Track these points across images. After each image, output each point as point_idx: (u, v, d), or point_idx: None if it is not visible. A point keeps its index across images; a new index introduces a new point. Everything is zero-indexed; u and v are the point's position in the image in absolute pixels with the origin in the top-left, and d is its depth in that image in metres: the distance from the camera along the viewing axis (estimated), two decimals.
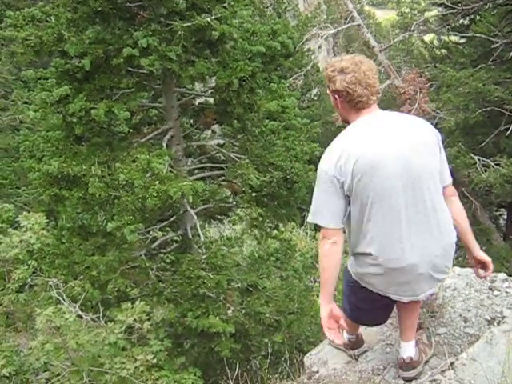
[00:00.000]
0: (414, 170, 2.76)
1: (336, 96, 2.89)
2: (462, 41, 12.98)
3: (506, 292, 4.06)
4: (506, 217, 12.96)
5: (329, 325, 2.93)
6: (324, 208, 2.81)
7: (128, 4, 5.70)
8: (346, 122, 3.00)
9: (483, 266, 3.18)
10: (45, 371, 4.69)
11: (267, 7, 16.22)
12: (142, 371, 4.63)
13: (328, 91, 2.99)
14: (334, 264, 2.86)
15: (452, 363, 3.22)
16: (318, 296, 10.32)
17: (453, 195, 3.05)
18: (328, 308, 2.92)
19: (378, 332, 4.01)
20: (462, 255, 11.67)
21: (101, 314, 5.13)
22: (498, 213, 13.57)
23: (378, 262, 2.86)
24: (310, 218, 2.88)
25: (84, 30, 5.60)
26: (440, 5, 12.43)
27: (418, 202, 2.80)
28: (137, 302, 4.92)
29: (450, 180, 3.02)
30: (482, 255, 3.15)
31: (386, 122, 2.86)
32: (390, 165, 2.72)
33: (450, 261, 3.02)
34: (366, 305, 3.17)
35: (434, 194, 2.85)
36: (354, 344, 3.83)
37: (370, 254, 2.87)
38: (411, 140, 2.80)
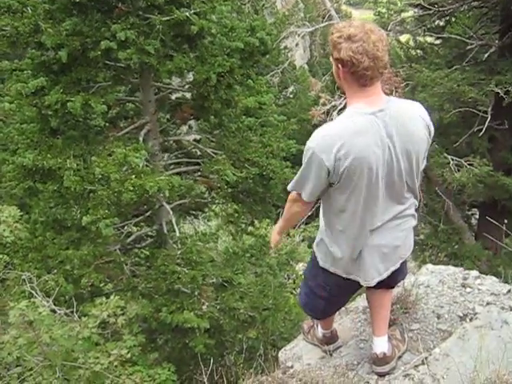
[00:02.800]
0: (399, 174, 2.77)
1: (339, 65, 2.62)
2: (438, 42, 13.10)
3: (478, 289, 4.12)
4: (477, 216, 13.14)
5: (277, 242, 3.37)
6: (308, 186, 2.79)
7: None
8: (343, 94, 2.94)
9: None
10: (17, 366, 4.63)
11: (245, 4, 16.18)
12: (115, 366, 4.61)
13: (331, 58, 2.70)
14: (296, 219, 3.31)
15: (425, 358, 3.27)
16: (291, 293, 10.38)
17: None
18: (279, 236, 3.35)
19: (352, 327, 4.04)
20: (435, 253, 11.83)
21: (74, 309, 5.10)
22: (470, 212, 13.75)
23: (346, 243, 2.94)
24: (293, 187, 2.89)
25: (61, 22, 5.53)
26: (416, 6, 12.52)
27: (393, 196, 2.85)
28: (111, 297, 4.90)
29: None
30: None
31: (384, 118, 2.69)
32: (380, 167, 2.68)
33: (411, 243, 3.13)
34: (334, 291, 3.22)
35: (407, 190, 2.88)
36: (329, 339, 3.85)
37: (342, 233, 2.93)
38: (406, 147, 2.73)
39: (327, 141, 2.66)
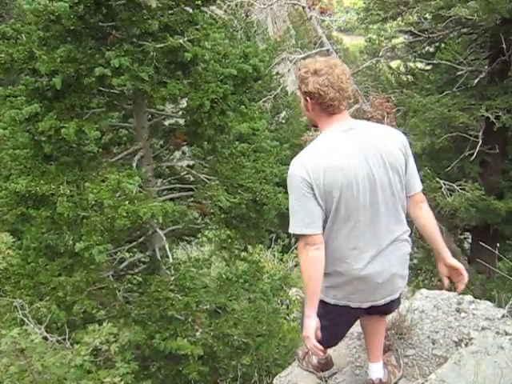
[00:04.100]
0: (379, 189, 2.80)
1: (307, 98, 2.83)
2: (428, 68, 13.24)
3: (473, 314, 4.12)
4: (470, 240, 13.15)
5: (316, 336, 2.83)
6: (304, 214, 2.75)
7: (101, 24, 5.70)
8: (314, 126, 3.01)
9: (455, 274, 3.08)
10: None
11: (237, 31, 16.35)
12: None
13: (299, 93, 2.91)
14: (320, 271, 2.78)
15: None
16: (285, 319, 10.32)
17: (422, 201, 3.09)
18: (316, 319, 2.83)
19: (347, 354, 4.02)
20: (428, 278, 11.81)
21: (67, 336, 5.06)
22: (462, 236, 13.77)
23: (337, 270, 2.90)
24: (294, 229, 2.78)
25: (55, 49, 5.56)
26: (406, 32, 12.69)
27: (381, 219, 2.85)
28: (104, 324, 4.86)
29: (419, 187, 3.06)
30: (455, 262, 3.07)
31: (356, 134, 2.84)
32: (359, 182, 2.75)
33: (406, 267, 3.11)
34: (327, 321, 3.02)
35: (395, 211, 2.90)
36: (324, 366, 3.83)
37: (329, 265, 2.87)
38: (381, 158, 2.81)
39: (302, 161, 2.80)
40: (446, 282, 3.14)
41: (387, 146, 2.86)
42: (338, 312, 3.06)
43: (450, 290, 4.02)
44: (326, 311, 3.01)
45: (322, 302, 2.97)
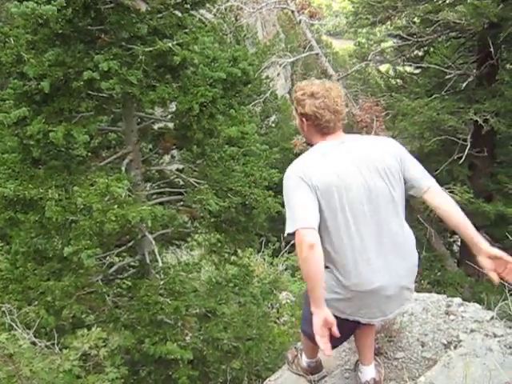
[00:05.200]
0: (375, 197, 2.81)
1: (303, 119, 2.94)
2: (417, 71, 13.33)
3: (462, 316, 4.14)
4: (459, 243, 13.22)
5: (322, 332, 2.70)
6: (299, 209, 2.72)
7: (89, 27, 5.67)
8: (310, 145, 3.03)
9: (500, 265, 2.75)
10: None
11: (227, 34, 16.36)
12: None
13: (295, 113, 3.03)
14: (319, 266, 2.68)
15: None
16: (275, 322, 10.31)
17: (440, 192, 3.02)
18: (322, 314, 2.71)
19: (336, 357, 4.02)
20: (418, 280, 11.83)
21: (56, 341, 5.03)
22: (451, 239, 13.84)
23: (344, 284, 2.85)
24: (290, 227, 2.69)
25: (44, 52, 5.53)
26: (395, 36, 12.78)
27: (382, 225, 2.83)
28: (93, 329, 4.84)
29: (431, 181, 3.02)
30: (496, 250, 2.80)
31: (348, 146, 2.90)
32: (354, 191, 2.77)
33: (414, 279, 3.05)
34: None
35: (395, 217, 2.88)
36: (313, 369, 3.83)
37: (336, 278, 2.86)
38: (373, 166, 2.83)
39: (298, 166, 2.85)
40: (495, 277, 2.77)
41: (378, 154, 2.90)
42: (343, 324, 2.95)
43: (439, 292, 4.04)
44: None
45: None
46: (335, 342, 3.14)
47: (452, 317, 4.15)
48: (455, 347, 3.74)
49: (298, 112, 2.96)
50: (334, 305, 2.90)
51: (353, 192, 2.77)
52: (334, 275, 2.86)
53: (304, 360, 3.84)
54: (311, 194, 2.73)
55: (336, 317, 2.81)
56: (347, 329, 3.11)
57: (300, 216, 2.71)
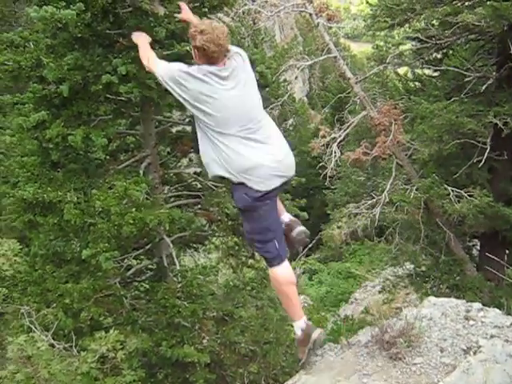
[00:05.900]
0: (245, 105, 3.78)
1: (196, 50, 3.72)
2: (436, 74, 13.20)
3: (482, 322, 4.09)
4: (478, 247, 13.08)
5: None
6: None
7: (108, 31, 5.72)
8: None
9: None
10: None
11: (245, 38, 16.36)
12: None
13: (191, 46, 3.80)
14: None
15: None
16: (292, 326, 10.27)
17: None
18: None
19: (354, 362, 3.99)
20: (437, 285, 11.73)
21: (73, 343, 5.05)
22: (471, 243, 13.68)
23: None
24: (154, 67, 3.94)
25: (63, 56, 5.58)
26: (414, 39, 12.67)
27: (256, 125, 3.78)
28: (110, 331, 4.86)
29: None
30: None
31: (229, 73, 3.73)
32: (228, 103, 3.67)
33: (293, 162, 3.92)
34: (263, 219, 3.77)
35: (263, 120, 3.88)
36: (306, 334, 3.94)
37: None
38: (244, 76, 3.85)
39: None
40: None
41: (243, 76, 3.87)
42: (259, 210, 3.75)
43: (458, 297, 3.99)
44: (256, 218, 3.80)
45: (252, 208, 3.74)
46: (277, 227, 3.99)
47: (471, 322, 4.10)
48: (475, 353, 3.69)
49: (192, 45, 3.73)
50: (249, 184, 3.75)
51: (228, 106, 3.68)
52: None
53: (297, 326, 3.97)
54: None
55: (255, 203, 3.75)
56: (266, 210, 3.83)
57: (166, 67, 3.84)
